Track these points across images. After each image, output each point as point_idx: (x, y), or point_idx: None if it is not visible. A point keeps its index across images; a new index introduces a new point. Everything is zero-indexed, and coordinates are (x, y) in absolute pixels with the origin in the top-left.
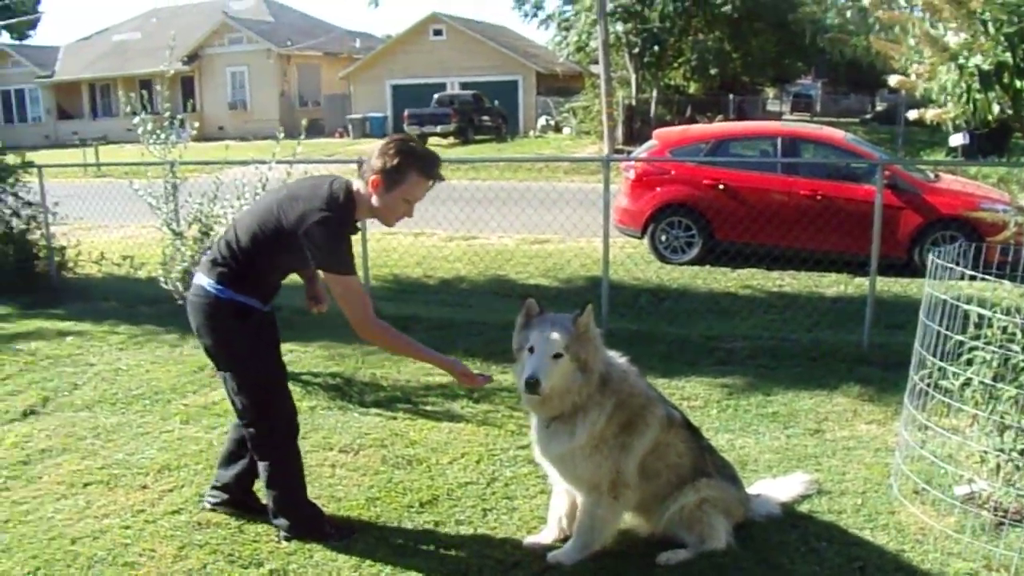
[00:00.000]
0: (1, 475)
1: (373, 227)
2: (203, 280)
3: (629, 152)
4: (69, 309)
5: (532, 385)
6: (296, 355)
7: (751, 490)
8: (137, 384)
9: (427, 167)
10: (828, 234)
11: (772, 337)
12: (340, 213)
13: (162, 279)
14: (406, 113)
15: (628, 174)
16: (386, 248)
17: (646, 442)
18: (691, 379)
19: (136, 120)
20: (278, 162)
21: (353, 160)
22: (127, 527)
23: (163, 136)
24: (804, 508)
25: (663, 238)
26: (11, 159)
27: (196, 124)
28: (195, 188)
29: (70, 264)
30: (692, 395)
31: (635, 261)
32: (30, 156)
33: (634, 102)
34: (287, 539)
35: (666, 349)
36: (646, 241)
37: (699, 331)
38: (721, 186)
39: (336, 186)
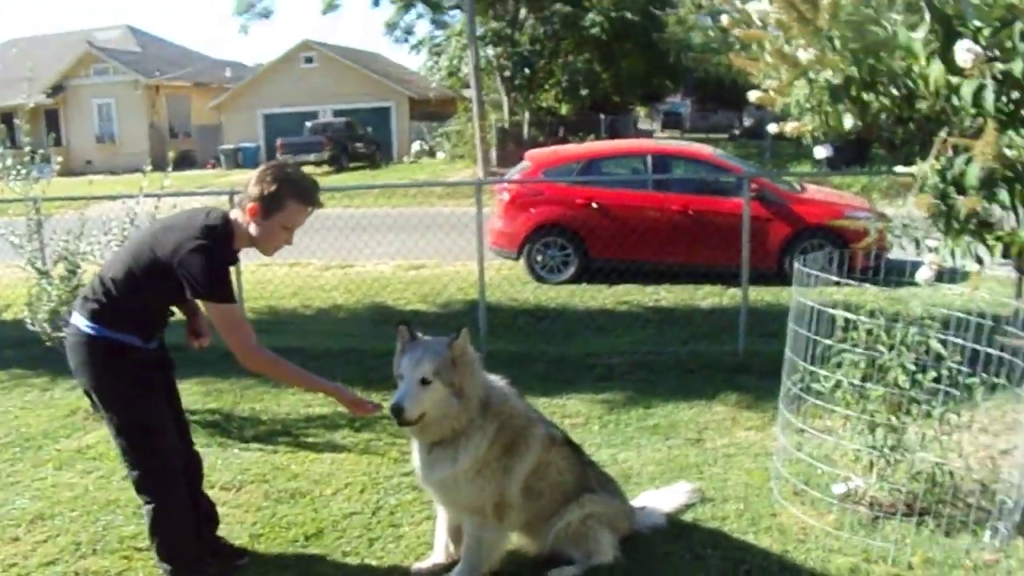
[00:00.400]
0: None
1: (248, 258)
2: (77, 318)
3: (503, 175)
4: None
5: (397, 412)
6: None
7: (635, 502)
8: (6, 431)
9: (305, 194)
10: (700, 247)
11: (650, 351)
12: (217, 242)
13: (28, 320)
14: (279, 142)
15: (502, 196)
16: (261, 280)
17: (528, 463)
18: (571, 397)
19: None
20: (146, 196)
21: (225, 192)
22: None
23: (24, 172)
24: (689, 517)
25: (539, 258)
26: None
27: (60, 158)
28: (60, 225)
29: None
30: (573, 412)
31: (511, 282)
32: None
33: (507, 125)
34: None
35: (545, 368)
36: (522, 262)
37: (578, 349)
38: (594, 205)
39: (212, 216)
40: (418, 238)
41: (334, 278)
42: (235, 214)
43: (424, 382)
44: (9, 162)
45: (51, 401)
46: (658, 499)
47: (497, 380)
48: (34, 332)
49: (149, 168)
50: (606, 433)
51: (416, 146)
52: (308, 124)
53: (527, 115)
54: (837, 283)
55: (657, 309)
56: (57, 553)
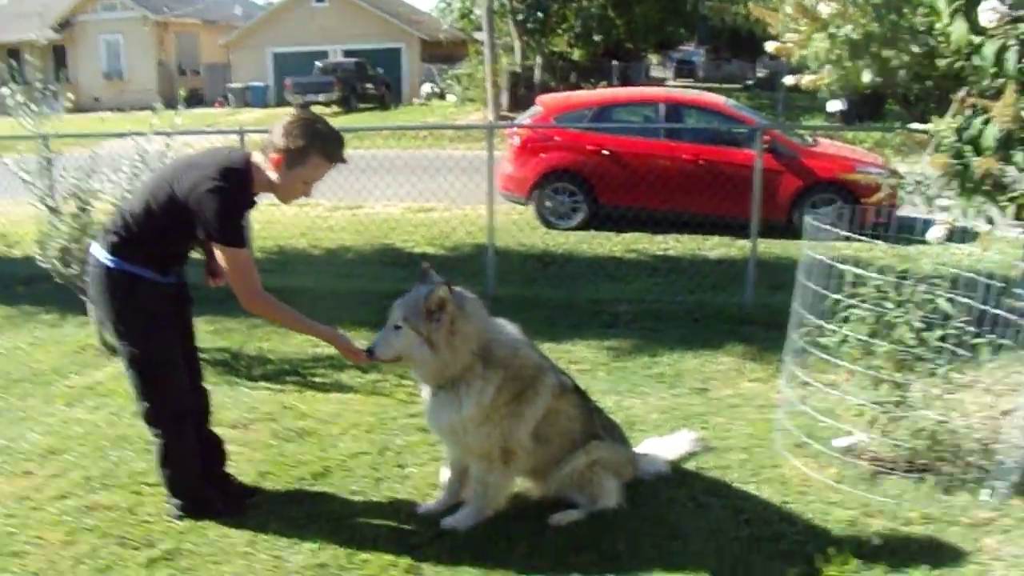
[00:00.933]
0: None
1: (257, 197)
2: (96, 250)
3: (513, 119)
4: None
5: (368, 351)
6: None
7: (639, 449)
8: (16, 367)
9: (332, 150)
10: (710, 198)
11: (657, 300)
12: (234, 184)
13: (39, 257)
14: (288, 82)
15: (513, 141)
16: (270, 219)
17: (538, 410)
18: (577, 343)
19: (5, 91)
20: (156, 134)
21: (234, 131)
22: (11, 515)
23: (35, 108)
24: (692, 465)
25: (548, 204)
26: None
27: (71, 95)
28: (70, 162)
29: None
30: (579, 358)
31: (520, 227)
32: None
33: (518, 69)
34: (179, 518)
35: (552, 314)
36: (531, 207)
37: (585, 295)
38: (605, 152)
39: (234, 157)
40: (428, 181)
41: (343, 219)
42: (257, 158)
43: (396, 327)
44: (19, 98)
45: (61, 337)
46: (662, 447)
47: (508, 328)
48: (44, 269)
49: (160, 105)
50: (612, 380)
51: (426, 88)
52: (318, 64)
53: (539, 60)
54: (847, 238)
55: (665, 258)
56: (69, 487)
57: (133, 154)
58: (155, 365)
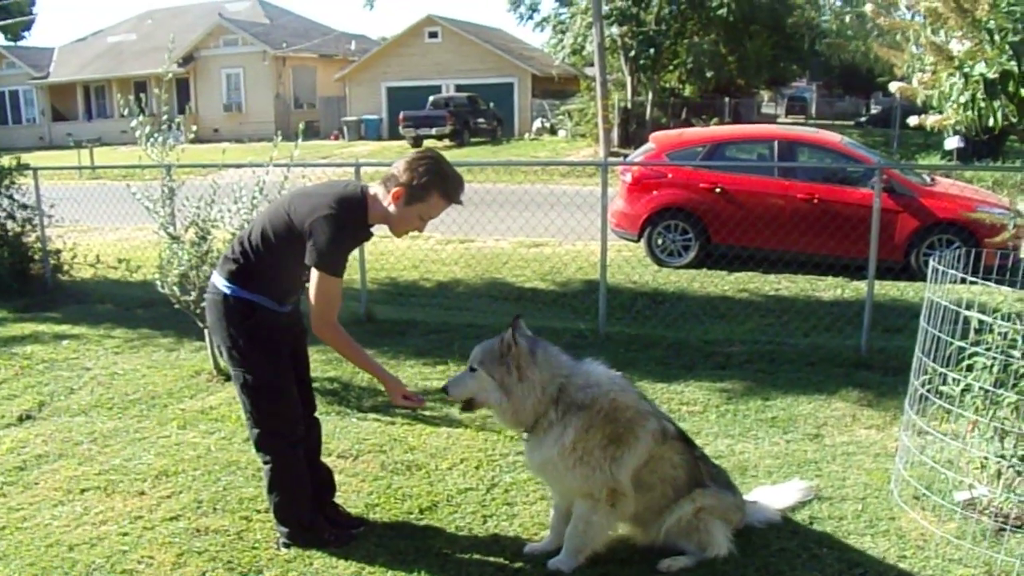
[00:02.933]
0: None
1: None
2: (216, 278)
3: (625, 155)
4: (65, 312)
5: (443, 390)
6: None
7: (749, 497)
8: (134, 389)
9: (452, 191)
10: (825, 238)
11: (770, 341)
12: (349, 215)
13: (159, 283)
14: (401, 115)
15: (625, 177)
16: (383, 251)
17: (638, 455)
18: (689, 383)
19: (134, 123)
20: (275, 165)
21: (349, 163)
22: (125, 534)
23: (160, 139)
24: (804, 515)
25: (660, 241)
26: (6, 161)
27: (194, 127)
28: (191, 191)
29: (65, 267)
30: (691, 400)
31: (632, 265)
32: (25, 158)
33: (629, 105)
34: (286, 546)
35: (663, 353)
36: (643, 244)
37: (696, 335)
38: (718, 189)
39: (351, 188)
40: (540, 216)
41: (454, 252)
42: (375, 190)
43: (472, 370)
44: (147, 129)
45: (177, 362)
46: (772, 495)
47: (596, 371)
48: (163, 294)
49: (279, 138)
50: (723, 423)
51: (537, 123)
52: (431, 98)
53: (650, 95)
54: (973, 282)
55: (778, 299)
56: (180, 509)
57: (252, 184)
58: (268, 392)
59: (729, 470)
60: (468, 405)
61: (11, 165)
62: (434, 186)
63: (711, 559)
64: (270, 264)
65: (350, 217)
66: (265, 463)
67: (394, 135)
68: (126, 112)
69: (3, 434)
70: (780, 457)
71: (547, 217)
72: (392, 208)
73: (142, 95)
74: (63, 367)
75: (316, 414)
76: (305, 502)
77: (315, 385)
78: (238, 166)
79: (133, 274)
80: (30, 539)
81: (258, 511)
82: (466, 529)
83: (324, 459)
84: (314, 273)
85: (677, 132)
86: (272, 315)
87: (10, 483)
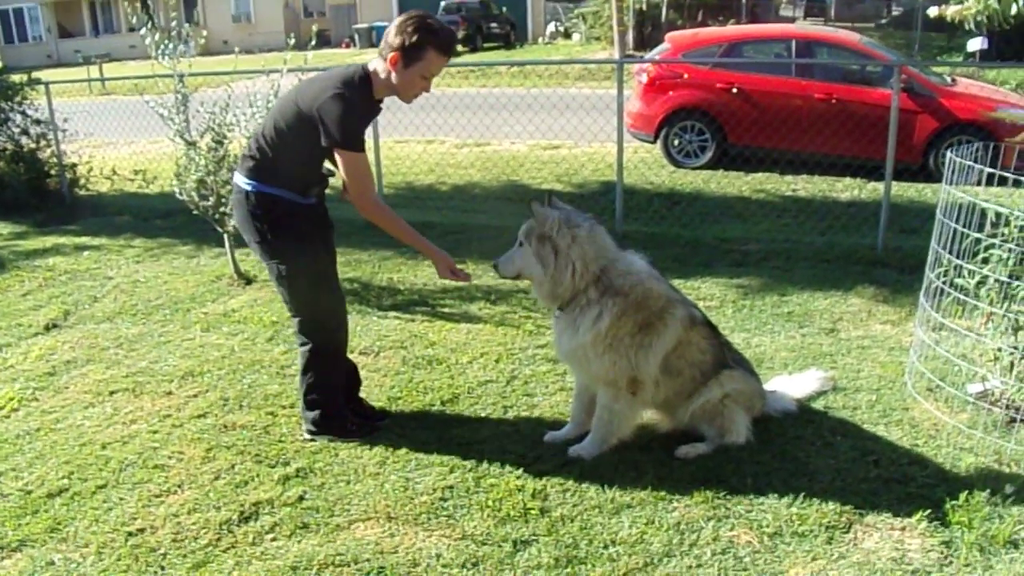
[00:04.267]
0: (29, 386)
1: (385, 134)
2: (237, 177)
3: (640, 58)
4: (84, 225)
5: (494, 267)
6: None
7: (767, 386)
8: (156, 295)
9: (445, 43)
10: (842, 138)
11: (786, 240)
12: (355, 91)
13: (177, 190)
14: None
15: (641, 78)
16: (399, 156)
17: (667, 342)
18: (706, 280)
19: (143, 31)
20: (289, 70)
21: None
22: (155, 432)
23: (171, 46)
24: (819, 404)
25: (676, 142)
26: (16, 77)
27: (205, 33)
28: (205, 100)
29: (82, 181)
30: (708, 295)
31: (648, 165)
32: (35, 76)
33: (644, 7)
34: (311, 434)
35: (680, 252)
36: (659, 145)
37: (713, 234)
38: (735, 89)
39: (352, 69)
40: (555, 119)
41: (470, 156)
42: (375, 64)
43: (519, 244)
44: (157, 37)
45: (197, 268)
46: (790, 384)
47: (635, 260)
48: (181, 203)
49: (292, 43)
50: (740, 317)
51: (551, 27)
52: (442, 3)
53: None
54: (992, 175)
55: (794, 199)
56: (207, 407)
57: (267, 90)
58: (303, 279)
59: None
60: (517, 278)
61: (22, 81)
62: (427, 42)
63: (728, 446)
64: (287, 156)
65: (356, 93)
66: (302, 345)
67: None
68: (135, 21)
69: (31, 342)
70: (796, 350)
71: (562, 119)
72: (393, 75)
73: (149, 3)
74: (85, 277)
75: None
76: (337, 389)
77: None
78: (251, 72)
79: (149, 185)
80: (64, 439)
81: (283, 407)
82: (487, 419)
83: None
84: (338, 157)
85: (693, 32)
86: (296, 207)
87: (41, 388)
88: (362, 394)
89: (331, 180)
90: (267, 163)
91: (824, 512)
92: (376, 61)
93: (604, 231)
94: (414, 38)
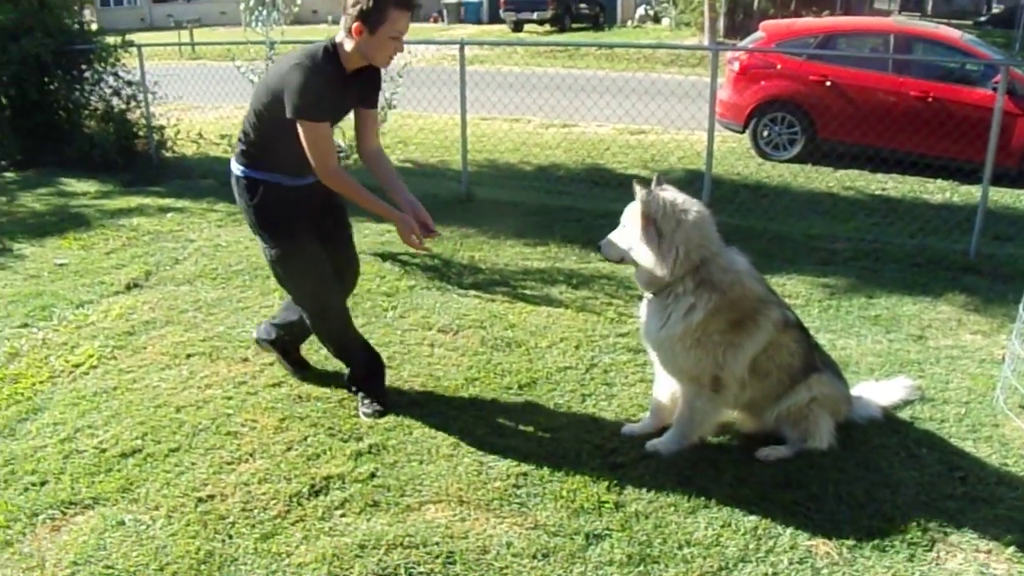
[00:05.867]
0: (108, 344)
1: (472, 111)
2: (232, 163)
3: (733, 46)
4: (168, 187)
5: (598, 248)
6: (393, 235)
7: (853, 391)
8: (236, 260)
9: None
10: (938, 138)
11: (875, 240)
12: (318, 62)
13: None
14: None
15: (732, 67)
16: (483, 133)
17: (758, 343)
18: (791, 276)
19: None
20: None
21: (455, 41)
22: (229, 398)
23: (264, 13)
24: (905, 414)
25: (765, 133)
26: (111, 39)
27: (299, 3)
28: None
29: (169, 143)
30: (793, 293)
31: (735, 156)
32: (128, 39)
33: None
34: (350, 383)
35: (766, 245)
36: (747, 136)
37: (799, 229)
38: (828, 83)
39: (319, 44)
40: (643, 103)
41: (556, 136)
42: (340, 37)
43: (623, 226)
44: (251, 3)
45: None
46: (876, 391)
47: (736, 257)
48: None
49: None
50: (826, 318)
51: (640, 10)
52: None
53: None
54: None
55: (884, 198)
56: (282, 376)
57: None
58: (294, 260)
59: None
60: (620, 261)
61: (116, 43)
62: (386, 3)
63: (810, 451)
64: (270, 138)
65: (319, 65)
66: (312, 324)
67: (494, 18)
68: None
69: (112, 301)
70: (882, 356)
71: (652, 104)
72: (362, 44)
73: None
74: (168, 238)
75: (417, 288)
76: (358, 350)
77: (415, 261)
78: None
79: (234, 150)
80: (140, 399)
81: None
82: (564, 407)
83: (426, 332)
84: (298, 126)
85: (788, 22)
86: (286, 190)
87: (120, 347)
88: (439, 373)
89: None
90: (253, 148)
91: (907, 527)
92: (341, 34)
93: (711, 220)
94: (371, 3)
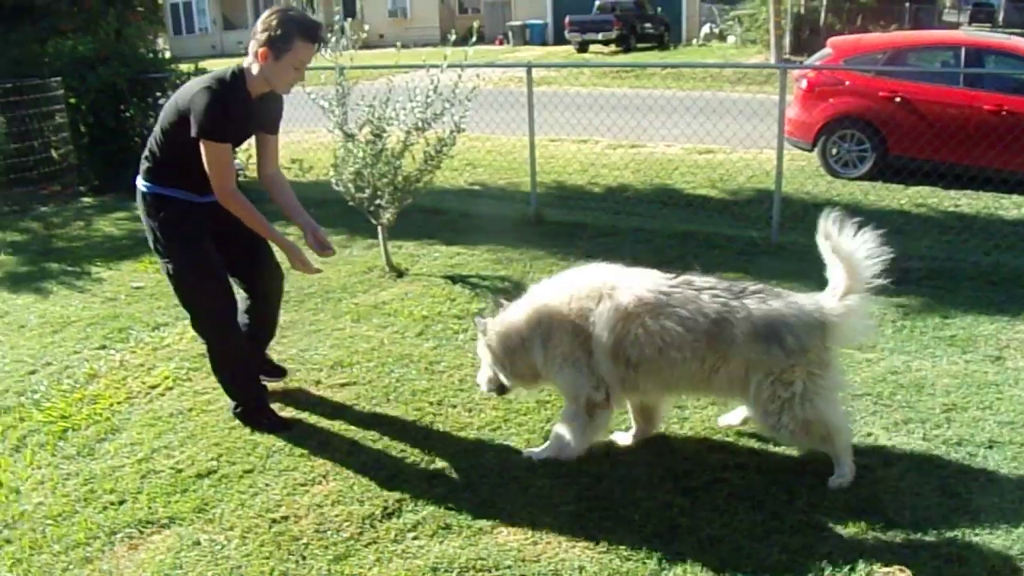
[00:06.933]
0: (183, 366)
1: (540, 133)
2: (138, 178)
3: (798, 63)
4: None
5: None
6: (463, 258)
7: None
8: (308, 283)
9: (310, 31)
10: (1013, 153)
11: (949, 258)
12: (225, 85)
13: (333, 181)
14: (567, 20)
15: (800, 84)
16: (552, 155)
17: (602, 339)
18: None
19: None
20: (449, 66)
21: (521, 64)
22: (302, 419)
23: (333, 40)
24: (983, 437)
25: (834, 151)
26: (185, 67)
27: (367, 27)
28: (360, 93)
29: (241, 167)
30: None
31: (805, 174)
32: (200, 65)
33: (803, 10)
34: (238, 415)
35: None
36: (816, 154)
37: None
38: (898, 98)
39: (227, 68)
40: (713, 123)
41: (624, 157)
42: (247, 62)
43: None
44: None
45: (350, 258)
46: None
47: (541, 287)
48: (335, 193)
49: (454, 36)
50: (899, 338)
51: (706, 28)
52: (597, 2)
53: (824, 0)
54: None
55: (958, 215)
56: (354, 398)
57: (427, 84)
58: (190, 277)
59: (905, 387)
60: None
61: (189, 70)
62: (292, 32)
63: (886, 476)
64: (173, 156)
65: (226, 88)
66: (206, 344)
67: (559, 40)
68: None
69: (187, 323)
70: (959, 377)
71: (718, 124)
72: (266, 68)
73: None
74: None
75: (489, 312)
76: (247, 380)
77: (485, 283)
78: (412, 67)
79: (305, 174)
80: (215, 421)
81: (430, 403)
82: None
83: None
84: (201, 146)
85: (856, 37)
86: (188, 205)
87: (195, 368)
88: (510, 395)
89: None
90: (158, 164)
91: (986, 556)
92: (249, 59)
93: (506, 315)
94: (279, 31)
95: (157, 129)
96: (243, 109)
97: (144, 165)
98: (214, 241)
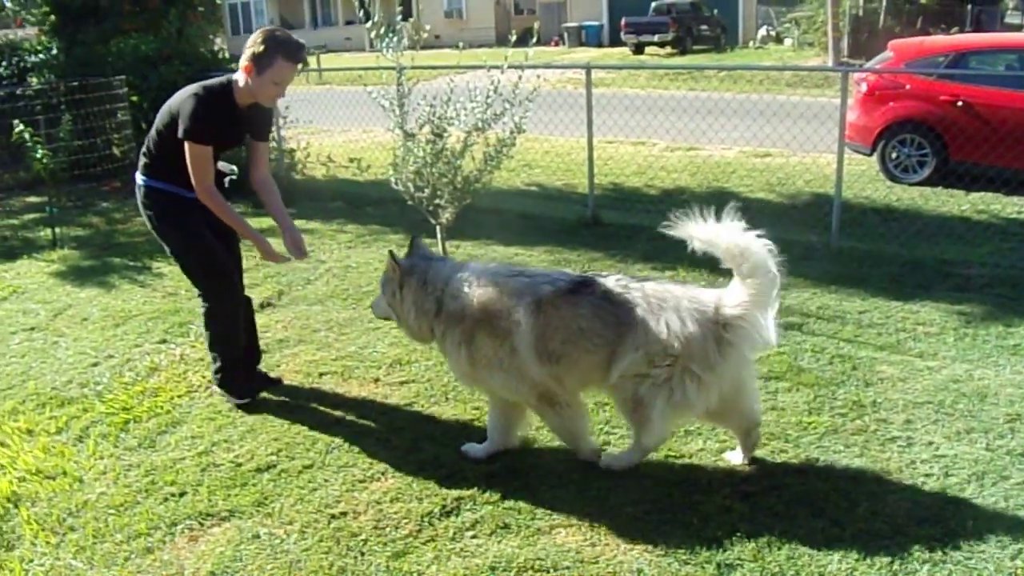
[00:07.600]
0: None
1: (600, 133)
2: (136, 173)
3: (857, 66)
4: (299, 209)
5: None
6: (521, 258)
7: None
8: (366, 281)
9: (293, 52)
10: None
11: (1012, 266)
12: (212, 93)
13: (393, 180)
14: (623, 21)
15: (859, 87)
16: (609, 157)
17: (523, 338)
18: (925, 304)
19: (369, 24)
20: (510, 66)
21: (580, 64)
22: (361, 416)
23: (395, 39)
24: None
25: (894, 156)
26: None
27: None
28: (419, 93)
29: (299, 166)
30: (926, 320)
31: (865, 179)
32: None
33: (861, 12)
34: (218, 385)
35: (897, 271)
36: (875, 158)
37: (932, 255)
38: (960, 103)
39: (217, 78)
40: (772, 126)
41: (681, 160)
42: (237, 75)
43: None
44: (382, 31)
45: None
46: None
47: (472, 275)
48: (393, 192)
49: (514, 38)
50: (961, 347)
51: (762, 31)
52: (653, 4)
53: (884, 2)
54: None
55: (1021, 222)
56: (413, 397)
57: (487, 85)
58: (191, 252)
59: (968, 396)
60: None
61: None
62: (275, 52)
63: (946, 486)
64: (167, 155)
65: (212, 95)
66: (204, 304)
67: (615, 41)
68: (360, 15)
69: None
70: (1022, 387)
71: (780, 127)
72: (250, 81)
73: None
74: None
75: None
76: (235, 344)
77: None
78: (472, 67)
79: (363, 173)
80: (274, 416)
81: (486, 402)
82: (696, 433)
83: None
84: (185, 146)
85: (917, 40)
86: (181, 199)
87: None
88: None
89: (233, 177)
90: (154, 161)
91: None
92: (238, 72)
93: (441, 262)
94: (262, 48)
95: (153, 130)
96: (227, 116)
97: (142, 161)
98: None
